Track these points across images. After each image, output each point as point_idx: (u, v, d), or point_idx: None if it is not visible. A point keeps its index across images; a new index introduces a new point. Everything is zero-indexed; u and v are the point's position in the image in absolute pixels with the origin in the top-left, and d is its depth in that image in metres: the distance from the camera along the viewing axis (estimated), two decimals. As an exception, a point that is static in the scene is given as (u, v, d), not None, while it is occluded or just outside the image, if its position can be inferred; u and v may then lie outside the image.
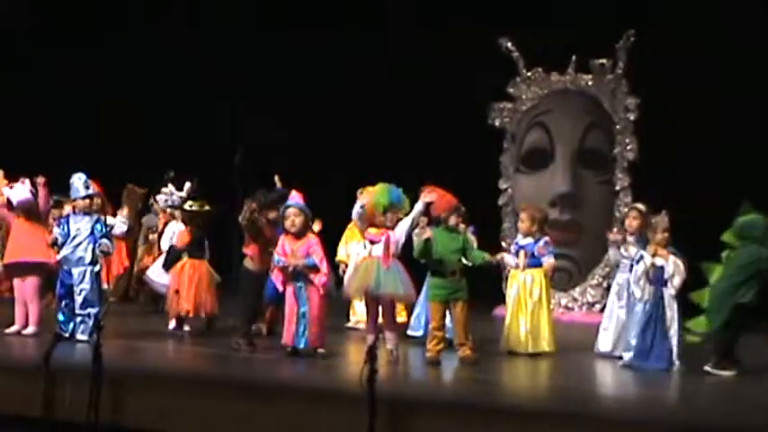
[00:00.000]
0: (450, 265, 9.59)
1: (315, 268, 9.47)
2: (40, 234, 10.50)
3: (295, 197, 9.73)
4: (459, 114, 15.27)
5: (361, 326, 11.22)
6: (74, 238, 10.23)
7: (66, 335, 10.00)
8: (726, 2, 14.23)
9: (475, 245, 10.26)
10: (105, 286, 10.97)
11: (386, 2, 16.32)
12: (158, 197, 12.29)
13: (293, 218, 9.55)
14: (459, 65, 15.30)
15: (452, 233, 9.72)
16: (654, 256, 9.53)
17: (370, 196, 9.56)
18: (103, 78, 17.15)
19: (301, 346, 9.51)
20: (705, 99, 14.07)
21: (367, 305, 9.65)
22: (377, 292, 9.28)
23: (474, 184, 12.98)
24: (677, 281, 9.51)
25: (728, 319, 9.23)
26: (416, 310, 10.85)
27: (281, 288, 9.60)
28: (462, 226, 9.99)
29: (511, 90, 14.83)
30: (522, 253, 10.46)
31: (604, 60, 14.27)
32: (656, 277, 9.53)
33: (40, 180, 10.59)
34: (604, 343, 10.37)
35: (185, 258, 11.06)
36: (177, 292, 10.93)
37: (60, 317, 10.23)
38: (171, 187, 11.73)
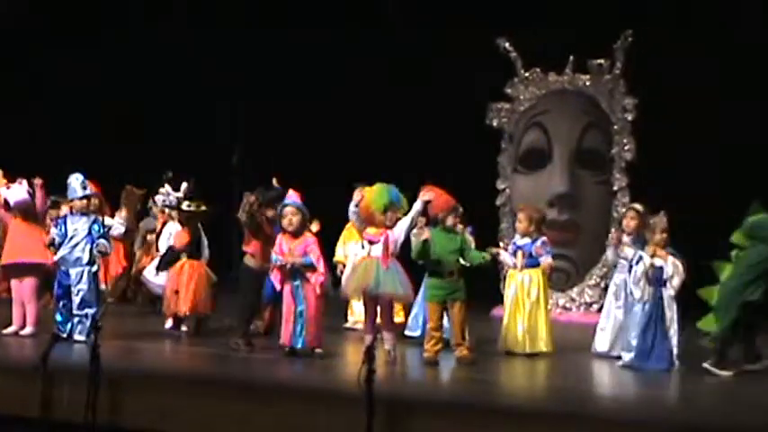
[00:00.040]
0: (448, 266, 9.58)
1: (312, 267, 9.48)
2: (37, 235, 10.50)
3: (292, 196, 9.73)
4: (458, 114, 15.25)
5: (359, 326, 11.22)
6: (71, 238, 10.22)
7: (64, 335, 9.99)
8: (726, 2, 14.21)
9: (473, 245, 10.25)
10: (103, 287, 10.95)
11: (386, 2, 16.29)
12: (156, 197, 12.28)
13: (290, 217, 9.56)
14: (459, 65, 15.29)
15: (450, 234, 9.71)
16: (653, 256, 9.53)
17: (369, 196, 9.54)
18: (103, 78, 17.15)
19: (299, 345, 9.52)
20: (705, 99, 14.06)
21: (365, 305, 9.66)
22: (376, 292, 9.28)
23: (472, 184, 12.97)
24: (676, 282, 9.51)
25: (737, 318, 9.27)
26: (414, 311, 10.84)
27: (278, 287, 9.61)
28: (460, 226, 9.99)
29: (508, 90, 14.82)
30: (519, 253, 10.45)
31: (602, 60, 14.26)
32: (656, 278, 9.53)
33: (38, 182, 10.58)
34: (601, 343, 10.37)
35: (184, 259, 11.06)
36: (177, 292, 10.93)
37: (58, 317, 10.23)
38: (168, 187, 11.72)
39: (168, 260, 11.22)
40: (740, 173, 14.07)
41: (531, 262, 10.40)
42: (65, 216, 10.55)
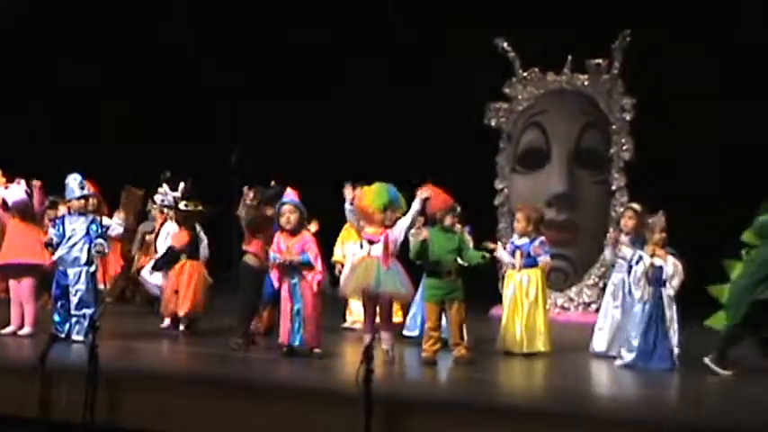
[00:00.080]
0: (447, 266, 9.59)
1: (309, 265, 9.47)
2: (35, 235, 10.49)
3: (290, 194, 9.72)
4: (458, 114, 15.25)
5: (358, 326, 11.23)
6: (69, 238, 10.22)
7: (62, 335, 9.98)
8: (726, 2, 14.21)
9: (471, 245, 10.25)
10: (101, 287, 10.95)
11: (386, 2, 16.29)
12: (155, 197, 12.29)
13: (288, 215, 9.56)
14: (459, 65, 15.29)
15: (448, 233, 9.71)
16: (652, 256, 9.53)
17: (368, 195, 9.53)
18: (103, 78, 17.16)
19: (296, 343, 9.51)
20: (705, 99, 14.07)
21: (364, 305, 9.66)
22: (377, 291, 9.27)
23: (471, 183, 12.96)
24: (676, 282, 9.52)
25: (746, 315, 9.27)
26: (412, 311, 10.84)
27: (276, 285, 9.61)
28: (458, 226, 9.98)
29: (507, 90, 14.83)
30: (518, 253, 10.44)
31: (600, 60, 14.26)
32: (655, 277, 9.53)
33: (36, 183, 10.57)
34: (599, 343, 10.37)
35: (184, 259, 11.06)
36: (177, 292, 10.93)
37: (56, 317, 10.23)
38: (166, 187, 11.73)
39: (168, 260, 11.22)
40: (740, 173, 14.09)
41: (530, 262, 10.39)
42: (63, 216, 10.54)
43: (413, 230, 9.59)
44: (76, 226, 10.26)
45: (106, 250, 10.52)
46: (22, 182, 10.56)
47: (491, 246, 10.38)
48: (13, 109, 17.10)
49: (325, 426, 7.60)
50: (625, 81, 14.14)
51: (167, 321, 11.13)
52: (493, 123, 14.84)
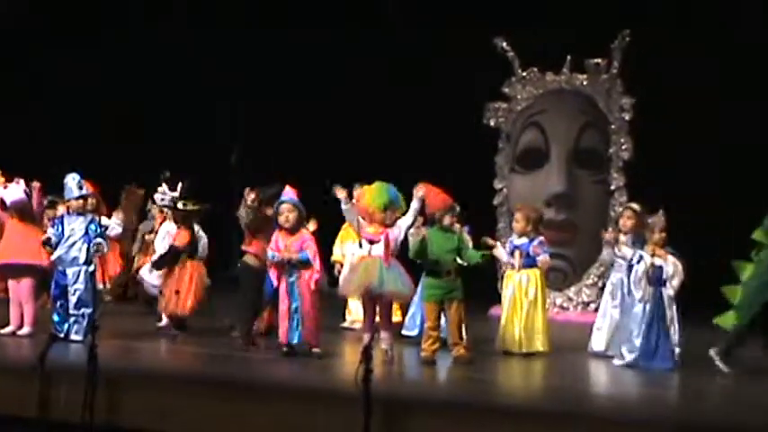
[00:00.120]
0: (446, 265, 9.58)
1: (308, 263, 9.46)
2: (33, 235, 10.45)
3: (289, 193, 9.71)
4: (458, 114, 15.25)
5: (357, 326, 11.23)
6: (68, 238, 10.21)
7: (62, 335, 9.96)
8: (726, 2, 14.21)
9: (470, 245, 10.24)
10: (101, 286, 10.95)
11: (386, 2, 16.30)
12: (155, 196, 12.29)
13: (287, 213, 9.55)
14: (459, 65, 15.29)
15: (447, 233, 9.71)
16: (652, 255, 9.52)
17: (367, 195, 9.52)
18: (103, 78, 17.16)
19: (295, 340, 9.50)
20: (704, 99, 14.07)
21: (364, 305, 9.66)
22: (380, 291, 9.26)
23: (470, 183, 12.97)
24: (676, 282, 9.53)
25: (756, 316, 9.29)
26: (411, 310, 10.84)
27: (275, 283, 9.60)
28: (458, 226, 9.97)
29: (506, 90, 14.83)
30: (517, 253, 10.42)
31: (599, 60, 14.26)
32: (656, 277, 9.53)
33: (35, 185, 10.56)
34: (598, 342, 10.37)
35: (185, 258, 11.06)
36: (177, 292, 10.92)
37: (55, 317, 10.22)
38: (165, 187, 11.73)
39: (169, 259, 11.20)
40: (740, 173, 14.09)
41: (529, 262, 10.37)
42: (62, 216, 10.54)
43: (411, 230, 9.59)
44: (75, 226, 10.25)
45: (105, 249, 10.51)
46: (21, 181, 10.54)
47: (490, 242, 10.38)
48: (13, 109, 17.09)
49: (324, 425, 7.60)
50: (624, 81, 14.15)
51: (164, 321, 11.13)
52: (492, 123, 14.85)
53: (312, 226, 10.94)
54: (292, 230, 9.55)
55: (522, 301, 10.30)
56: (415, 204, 9.36)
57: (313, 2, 16.42)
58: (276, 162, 13.69)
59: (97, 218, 10.51)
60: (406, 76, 15.98)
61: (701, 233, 12.50)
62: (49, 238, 10.24)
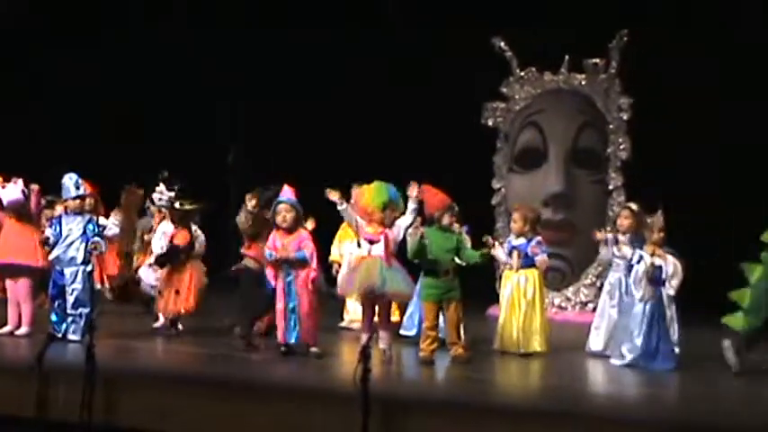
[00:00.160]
0: (444, 265, 9.59)
1: (305, 262, 9.46)
2: (30, 235, 10.46)
3: (287, 192, 9.71)
4: (457, 114, 15.25)
5: (355, 325, 11.22)
6: (66, 238, 10.22)
7: (59, 335, 9.97)
8: (726, 2, 14.20)
9: (469, 244, 10.24)
10: (99, 286, 10.95)
11: (386, 2, 16.29)
12: (153, 196, 12.30)
13: (284, 213, 9.55)
14: (459, 65, 15.28)
15: (446, 233, 9.71)
16: (652, 255, 9.52)
17: (367, 194, 9.52)
18: (103, 78, 17.14)
19: (292, 340, 9.50)
20: (704, 99, 14.06)
21: (363, 305, 9.64)
22: (382, 290, 9.26)
23: (469, 183, 12.97)
24: (676, 281, 9.52)
25: (766, 318, 9.26)
26: (409, 310, 10.83)
27: (273, 283, 9.60)
28: (456, 225, 9.97)
29: (504, 90, 14.83)
30: (515, 253, 10.42)
31: (597, 60, 14.26)
32: (655, 277, 9.52)
33: (34, 188, 10.54)
34: (596, 342, 10.37)
35: (184, 258, 11.05)
36: (177, 292, 10.92)
37: (53, 317, 10.22)
38: (162, 187, 11.74)
39: (170, 257, 11.19)
40: (739, 173, 14.08)
41: (527, 262, 10.36)
42: (60, 216, 10.54)
43: (410, 230, 9.59)
44: (73, 226, 10.25)
45: (103, 249, 10.50)
46: (20, 181, 10.54)
47: (491, 242, 10.37)
48: (13, 109, 17.09)
49: (322, 425, 7.61)
50: (622, 80, 14.14)
51: (161, 321, 11.12)
52: (490, 123, 14.85)
53: (310, 225, 10.94)
54: (290, 230, 9.55)
55: (521, 302, 10.30)
56: (413, 204, 9.35)
57: (313, 2, 16.41)
58: (276, 162, 13.66)
59: (95, 218, 10.51)
60: (405, 76, 15.97)
61: (701, 233, 12.49)
62: (47, 238, 10.25)
